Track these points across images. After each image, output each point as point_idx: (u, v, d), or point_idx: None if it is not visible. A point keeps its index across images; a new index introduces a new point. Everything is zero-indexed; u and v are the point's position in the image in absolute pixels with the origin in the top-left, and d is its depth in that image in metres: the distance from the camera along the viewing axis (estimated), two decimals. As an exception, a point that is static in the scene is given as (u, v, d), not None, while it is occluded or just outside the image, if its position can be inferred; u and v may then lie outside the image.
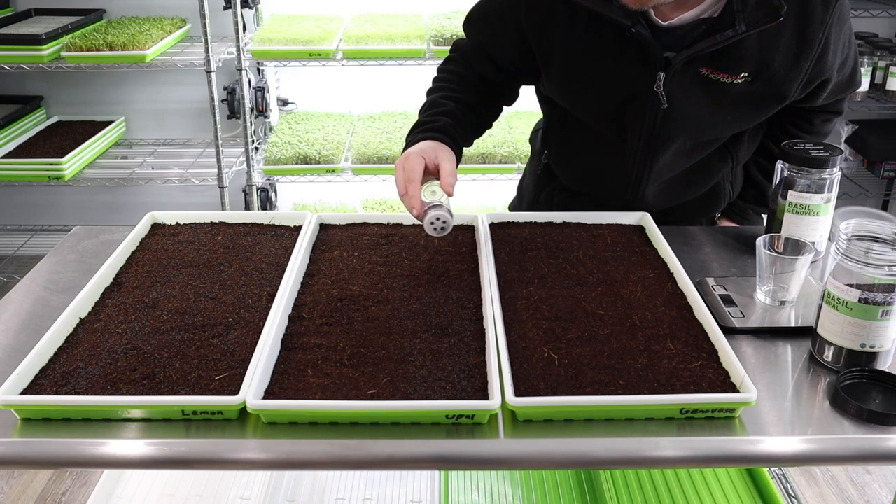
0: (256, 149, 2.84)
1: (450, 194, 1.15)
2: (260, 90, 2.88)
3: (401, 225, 1.32)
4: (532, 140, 1.60)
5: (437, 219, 1.12)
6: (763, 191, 1.46)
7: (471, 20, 1.37)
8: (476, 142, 2.97)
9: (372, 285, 1.13)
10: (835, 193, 1.23)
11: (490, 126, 1.43)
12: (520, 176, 1.67)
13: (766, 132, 1.43)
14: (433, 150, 1.19)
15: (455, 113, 1.30)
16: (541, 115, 1.52)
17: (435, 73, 1.41)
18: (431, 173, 1.19)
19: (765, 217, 1.53)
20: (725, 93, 1.22)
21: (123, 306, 1.08)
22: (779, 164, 1.24)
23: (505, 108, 1.47)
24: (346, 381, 0.93)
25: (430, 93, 1.38)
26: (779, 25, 1.15)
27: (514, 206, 1.63)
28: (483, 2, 1.34)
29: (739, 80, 1.20)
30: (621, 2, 1.12)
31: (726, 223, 1.51)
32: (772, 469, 1.52)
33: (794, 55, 1.19)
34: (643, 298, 1.10)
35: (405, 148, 1.24)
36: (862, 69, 2.70)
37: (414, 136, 1.26)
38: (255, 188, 2.77)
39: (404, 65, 2.65)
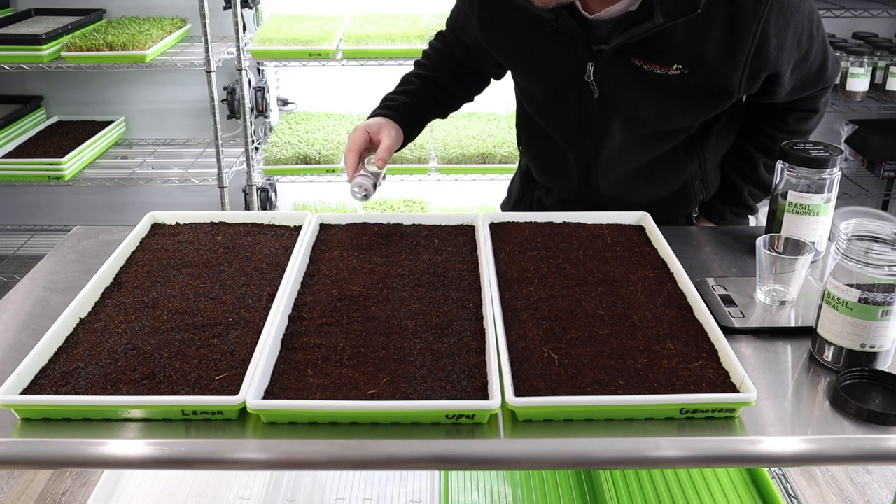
0: (256, 149, 2.84)
1: (379, 167, 1.30)
2: (260, 90, 2.88)
3: (401, 225, 1.32)
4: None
5: (360, 185, 1.28)
6: (739, 191, 1.46)
7: (454, 5, 1.46)
8: (476, 142, 2.97)
9: (372, 285, 1.13)
10: (835, 193, 1.23)
11: (471, 98, 1.56)
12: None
13: (740, 132, 1.43)
14: (378, 127, 1.34)
15: (416, 92, 1.45)
16: None
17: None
18: (374, 146, 1.33)
19: (752, 219, 1.54)
20: (662, 84, 1.23)
21: (123, 306, 1.08)
22: (779, 164, 1.24)
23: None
24: (346, 381, 0.93)
25: (414, 65, 1.53)
26: (707, 17, 1.16)
27: (503, 205, 1.68)
28: None
29: (674, 72, 1.22)
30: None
31: (706, 224, 1.50)
32: (772, 469, 1.52)
33: (727, 47, 1.19)
34: (643, 298, 1.10)
35: (368, 118, 1.39)
36: (861, 69, 2.73)
37: (375, 110, 1.42)
38: (255, 188, 2.77)
39: (404, 65, 2.65)
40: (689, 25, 1.18)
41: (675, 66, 1.21)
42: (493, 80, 1.54)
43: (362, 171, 1.30)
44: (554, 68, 1.30)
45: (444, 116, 1.52)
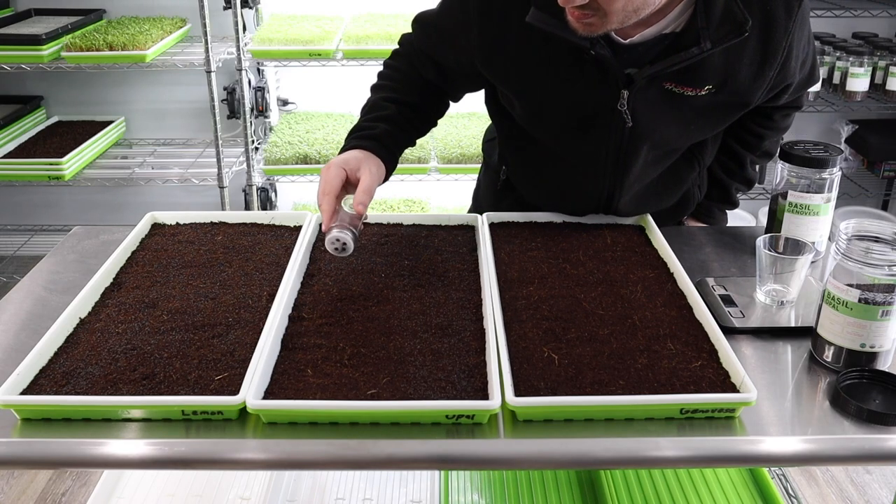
0: (256, 149, 2.84)
1: (359, 213, 1.11)
2: (260, 90, 2.88)
3: (401, 225, 1.32)
4: (485, 150, 1.54)
5: (337, 240, 1.10)
6: (727, 189, 1.47)
7: (421, 24, 1.31)
8: (476, 142, 2.96)
9: (372, 285, 1.13)
10: (835, 193, 1.23)
11: (435, 123, 1.38)
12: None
13: (726, 131, 1.42)
14: (357, 162, 1.16)
15: (394, 118, 1.27)
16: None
17: (381, 67, 1.36)
18: (353, 185, 1.15)
19: (752, 219, 1.54)
20: (689, 105, 1.19)
21: (123, 306, 1.08)
22: (779, 164, 1.24)
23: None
24: (346, 381, 0.93)
25: (373, 90, 1.34)
26: (744, 38, 1.13)
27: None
28: (436, 11, 1.28)
29: (703, 93, 1.18)
30: (571, 28, 1.08)
31: (693, 223, 1.51)
32: (772, 469, 1.52)
33: (759, 65, 1.17)
34: (643, 298, 1.10)
35: (340, 150, 1.22)
36: (861, 69, 2.73)
37: (349, 142, 1.23)
38: (255, 188, 2.77)
39: (404, 65, 2.65)
40: (727, 47, 1.13)
41: (707, 87, 1.17)
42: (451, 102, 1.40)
43: (340, 219, 1.11)
44: (579, 96, 1.19)
45: (414, 144, 1.33)
